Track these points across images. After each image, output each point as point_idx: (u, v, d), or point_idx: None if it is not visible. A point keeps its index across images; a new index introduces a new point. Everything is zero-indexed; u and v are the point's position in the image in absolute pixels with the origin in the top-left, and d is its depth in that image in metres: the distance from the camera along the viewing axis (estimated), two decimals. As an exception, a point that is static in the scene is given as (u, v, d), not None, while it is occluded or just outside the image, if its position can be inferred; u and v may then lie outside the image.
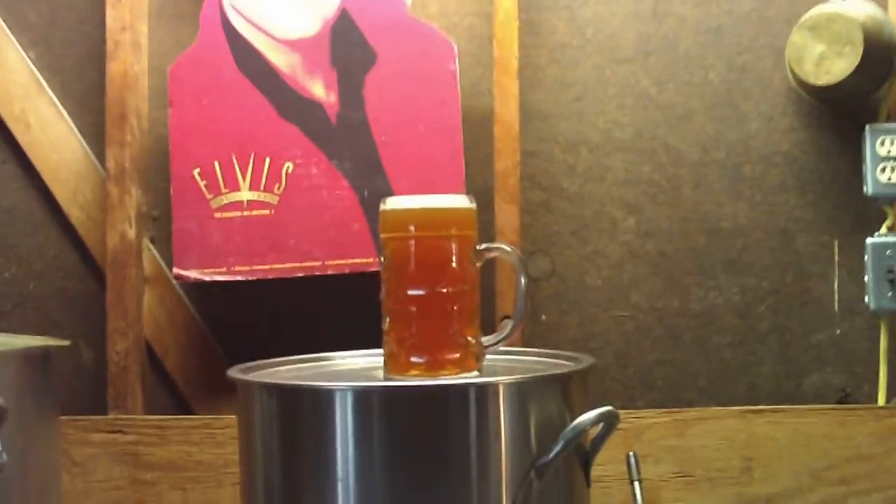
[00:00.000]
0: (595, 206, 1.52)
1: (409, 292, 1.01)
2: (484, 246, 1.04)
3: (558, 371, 1.05)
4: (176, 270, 1.48)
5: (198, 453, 1.49)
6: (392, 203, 1.03)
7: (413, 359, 1.01)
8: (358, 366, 1.19)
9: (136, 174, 1.54)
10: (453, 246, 1.02)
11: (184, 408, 1.56)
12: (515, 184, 1.47)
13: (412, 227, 1.02)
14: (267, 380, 1.06)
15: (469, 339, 1.02)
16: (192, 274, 1.48)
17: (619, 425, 1.21)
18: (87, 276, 1.58)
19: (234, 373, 1.09)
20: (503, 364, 1.15)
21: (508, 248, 1.05)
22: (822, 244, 1.49)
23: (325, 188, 1.47)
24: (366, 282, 1.40)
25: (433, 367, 1.01)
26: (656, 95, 1.51)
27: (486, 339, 1.05)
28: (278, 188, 1.48)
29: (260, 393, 1.04)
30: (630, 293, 1.51)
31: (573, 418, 1.03)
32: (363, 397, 0.98)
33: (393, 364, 1.03)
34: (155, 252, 1.57)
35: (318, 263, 1.47)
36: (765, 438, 1.41)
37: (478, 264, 1.04)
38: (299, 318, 1.55)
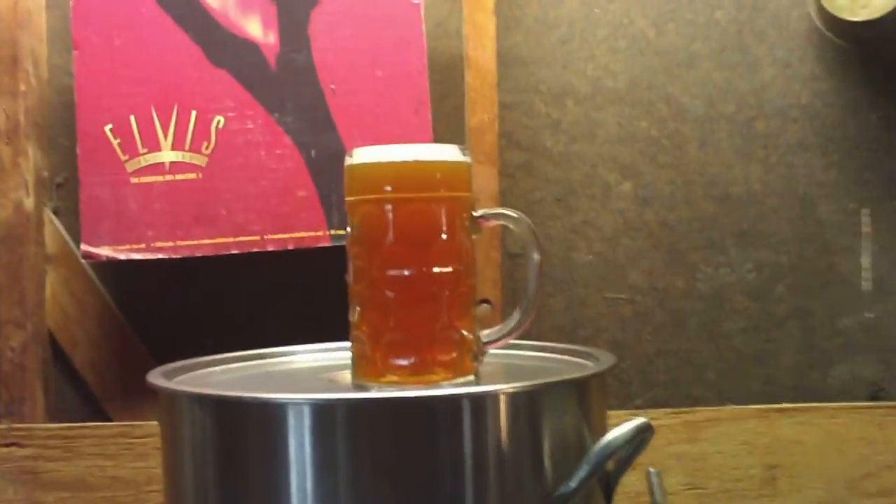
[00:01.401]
0: (584, 168, 1.29)
1: (387, 273, 0.77)
2: (483, 211, 0.80)
3: (576, 375, 0.82)
4: (84, 247, 1.22)
5: (114, 468, 1.24)
6: (361, 156, 0.79)
7: (391, 360, 0.78)
8: (315, 364, 0.95)
9: (33, 131, 1.27)
10: (443, 212, 0.78)
11: (97, 413, 1.31)
12: (493, 142, 1.23)
13: (388, 187, 0.78)
14: (198, 389, 0.81)
15: (464, 333, 0.79)
16: (104, 251, 1.22)
17: None
18: (-24, 255, 1.31)
19: (156, 378, 0.84)
20: (498, 363, 0.92)
21: (516, 215, 0.81)
22: (848, 212, 1.28)
23: (263, 146, 1.23)
24: (316, 259, 1.17)
25: (417, 370, 0.78)
26: (654, 38, 1.29)
27: (485, 334, 0.81)
28: (207, 147, 1.23)
29: (190, 406, 0.80)
30: (626, 271, 1.28)
31: (593, 434, 0.80)
32: (325, 413, 0.73)
33: (364, 367, 0.79)
34: (59, 225, 1.31)
35: (255, 238, 1.22)
36: (790, 443, 1.19)
37: (475, 235, 0.80)
38: (237, 303, 1.31)
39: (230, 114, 1.23)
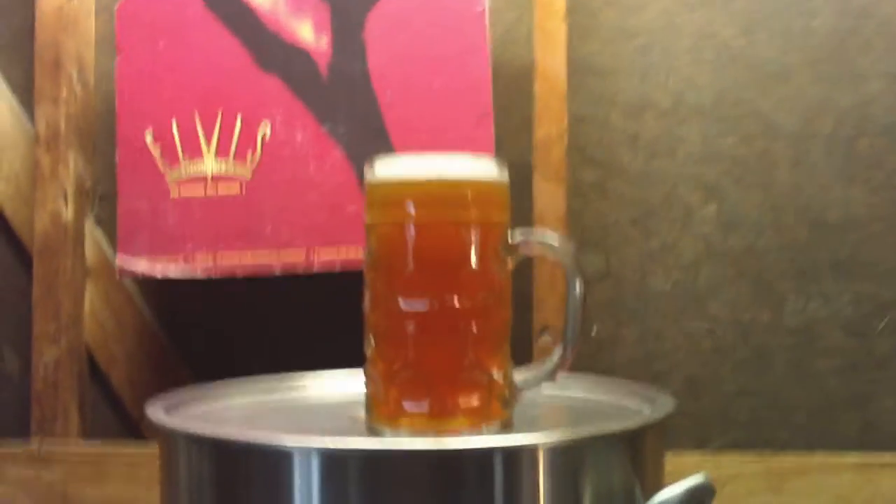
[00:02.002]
0: (664, 188, 1.17)
1: (405, 305, 0.67)
2: (520, 237, 0.70)
3: (626, 425, 0.70)
4: (120, 263, 1.15)
5: (146, 495, 1.15)
6: (382, 169, 0.69)
7: (408, 404, 0.67)
8: (336, 397, 0.86)
9: (74, 139, 1.21)
10: (473, 236, 0.68)
11: (133, 434, 1.23)
12: (561, 157, 1.12)
13: (411, 208, 0.67)
14: (195, 429, 0.72)
15: (493, 374, 0.68)
16: (140, 268, 1.14)
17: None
18: (15, 267, 1.25)
19: (155, 410, 0.75)
20: (542, 404, 0.81)
21: (556, 241, 0.70)
22: (961, 242, 1.14)
23: (312, 158, 1.14)
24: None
25: (438, 415, 0.68)
26: (743, 48, 1.17)
27: (520, 375, 0.71)
28: (252, 158, 1.14)
29: (186, 446, 0.71)
30: (707, 301, 1.16)
31: (646, 492, 0.69)
32: (332, 464, 0.64)
33: (379, 408, 0.69)
34: (101, 237, 1.24)
35: (301, 257, 1.13)
36: (893, 501, 1.05)
37: (509, 263, 0.70)
38: (281, 322, 1.22)
39: (278, 122, 1.15)
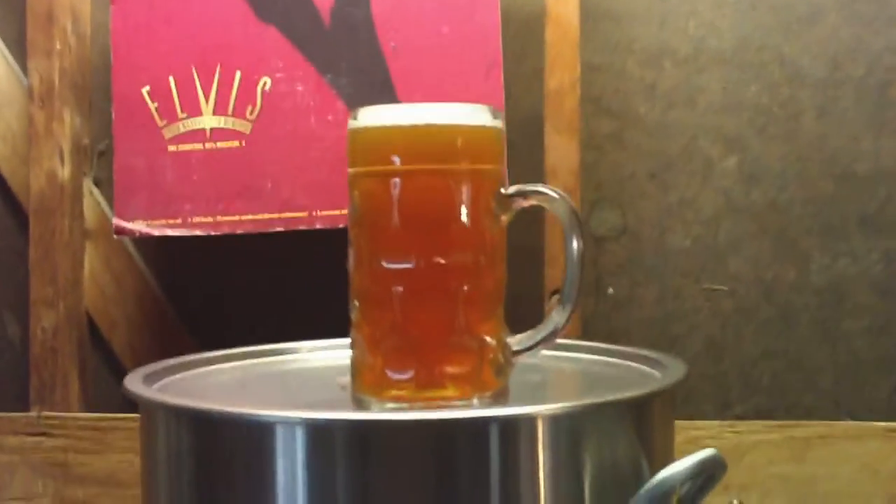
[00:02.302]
0: (683, 139, 1.11)
1: (389, 264, 0.62)
2: (514, 189, 0.65)
3: (631, 393, 0.65)
4: (116, 221, 1.10)
5: (148, 463, 1.12)
6: (366, 116, 0.64)
7: (393, 373, 0.63)
8: (328, 364, 0.81)
9: (70, 94, 1.16)
10: (463, 189, 0.63)
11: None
12: (574, 107, 1.07)
13: (396, 158, 0.62)
14: (174, 399, 0.68)
15: (486, 339, 0.64)
16: (137, 226, 1.10)
17: (710, 443, 0.86)
18: (13, 229, 1.22)
19: (135, 381, 0.71)
20: (543, 372, 0.76)
21: (551, 192, 0.65)
22: None
23: (314, 112, 1.09)
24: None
25: (427, 384, 0.63)
26: (768, -11, 1.11)
27: (515, 340, 0.66)
28: (251, 112, 1.09)
29: (165, 419, 0.66)
30: (728, 259, 1.11)
31: (654, 465, 0.64)
32: (317, 436, 0.60)
33: (365, 377, 0.65)
34: (100, 198, 1.20)
35: (303, 214, 1.08)
36: (922, 469, 1.01)
37: (503, 217, 0.65)
38: (291, 285, 1.18)
39: (278, 75, 1.10)
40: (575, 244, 0.63)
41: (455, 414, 0.59)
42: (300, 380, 0.79)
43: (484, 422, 0.59)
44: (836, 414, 1.09)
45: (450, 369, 0.62)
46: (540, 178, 1.07)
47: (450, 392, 0.63)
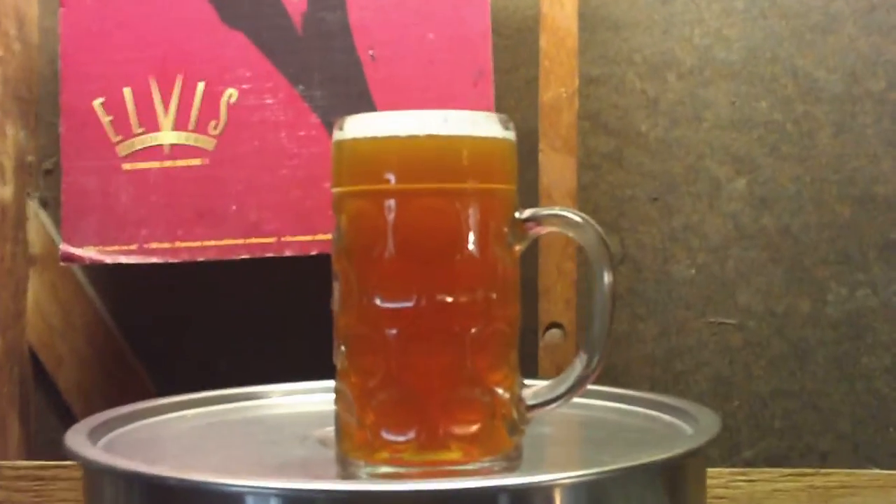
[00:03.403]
0: (688, 159, 1.02)
1: (384, 303, 0.52)
2: (529, 213, 0.55)
3: (663, 455, 0.55)
4: (64, 247, 0.99)
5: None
6: (354, 126, 0.54)
7: (387, 432, 0.52)
8: (303, 411, 0.71)
9: (14, 106, 1.06)
10: (471, 212, 0.53)
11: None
12: (572, 122, 0.97)
13: (391, 175, 0.52)
14: (124, 463, 0.57)
15: (498, 391, 0.53)
16: (88, 253, 0.99)
17: (720, 492, 0.77)
18: (-51, 254, 1.10)
19: (78, 438, 0.61)
20: (551, 426, 0.66)
21: (575, 216, 0.55)
22: None
23: (284, 127, 0.99)
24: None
25: (427, 446, 0.52)
26: (779, -3, 1.02)
27: (531, 393, 0.56)
28: (215, 127, 0.99)
29: (113, 485, 0.56)
30: (737, 290, 1.02)
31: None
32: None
33: (352, 436, 0.54)
34: (46, 220, 1.09)
35: (271, 240, 0.98)
36: (957, 523, 0.91)
37: (517, 247, 0.55)
38: (252, 312, 1.07)
39: (245, 86, 0.99)
40: (606, 279, 0.53)
41: (462, 483, 0.49)
42: (271, 432, 0.68)
43: (495, 492, 0.49)
44: (854, 459, 1.00)
45: (455, 428, 0.52)
46: (533, 200, 0.97)
47: (455, 455, 0.52)
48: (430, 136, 0.52)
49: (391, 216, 0.52)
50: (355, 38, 0.99)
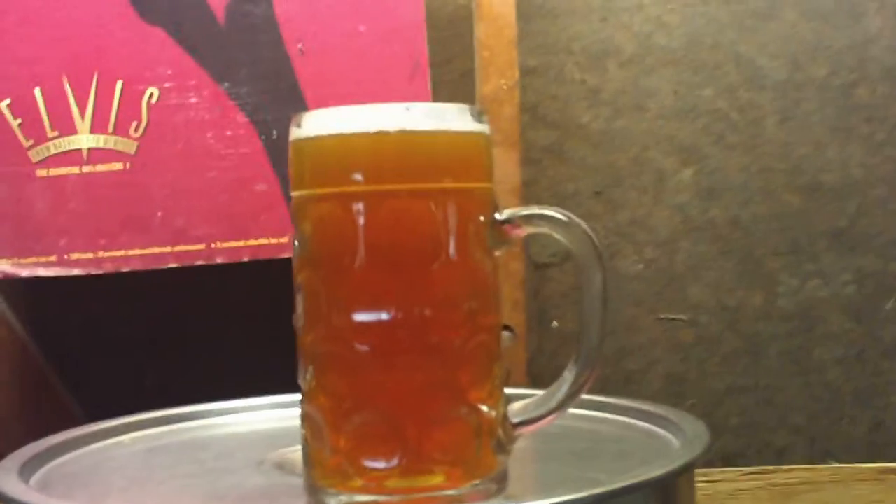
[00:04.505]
0: (632, 150, 0.99)
1: (357, 316, 0.47)
2: (509, 213, 0.50)
3: (657, 473, 0.51)
4: (-26, 262, 0.92)
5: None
6: (314, 122, 0.49)
7: (363, 457, 0.47)
8: (252, 430, 0.66)
9: (-86, 111, 0.98)
10: (449, 214, 0.48)
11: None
12: (514, 115, 0.93)
13: (359, 175, 0.47)
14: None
15: (483, 409, 0.49)
16: (1, 266, 0.92)
17: None
18: None
19: (6, 478, 0.55)
20: (527, 440, 0.62)
21: (561, 216, 0.50)
22: (977, 205, 0.98)
23: (210, 127, 0.93)
24: (282, 272, 0.87)
25: (408, 472, 0.48)
26: (719, -18, 0.99)
27: (516, 409, 0.51)
28: (136, 129, 0.93)
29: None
30: (687, 284, 0.99)
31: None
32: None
33: (323, 463, 0.49)
34: (-47, 232, 1.01)
35: (201, 247, 0.92)
36: (922, 515, 0.89)
37: (497, 252, 0.50)
38: (191, 327, 1.02)
39: (167, 84, 0.93)
40: (598, 282, 0.49)
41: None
42: (221, 457, 0.63)
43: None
44: (811, 453, 0.98)
45: (438, 451, 0.47)
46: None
47: (438, 480, 0.48)
48: (401, 132, 0.47)
49: (361, 220, 0.47)
50: (282, 32, 0.93)
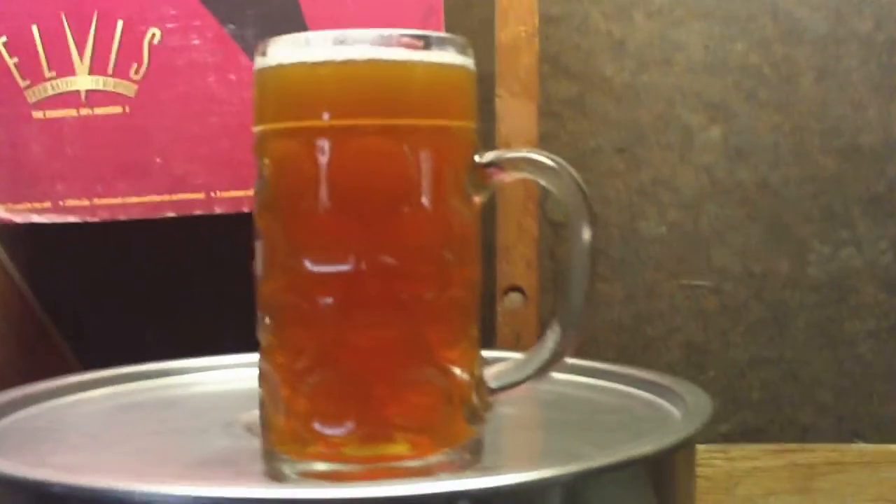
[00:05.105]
0: (657, 106, 0.93)
1: (316, 266, 0.43)
2: (492, 156, 0.46)
3: (650, 448, 0.46)
4: (-33, 206, 0.89)
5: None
6: (279, 50, 0.45)
7: (320, 423, 0.43)
8: (228, 389, 0.62)
9: (-90, 47, 0.94)
10: (423, 154, 0.43)
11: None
12: (532, 64, 0.88)
13: (324, 110, 0.43)
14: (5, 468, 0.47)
15: (455, 371, 0.44)
16: (-5, 211, 0.89)
17: (696, 471, 0.68)
18: None
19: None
20: (513, 407, 0.58)
21: (547, 160, 0.45)
22: None
23: (213, 70, 0.89)
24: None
25: (369, 439, 0.43)
26: (757, -72, 0.93)
27: (493, 373, 0.46)
28: (137, 71, 0.89)
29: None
30: (712, 249, 0.94)
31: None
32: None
33: (279, 427, 0.45)
34: (-49, 176, 0.98)
35: (200, 196, 0.88)
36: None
37: (477, 198, 0.45)
38: (182, 279, 0.98)
39: (169, 25, 0.89)
40: (584, 235, 0.44)
41: (408, 488, 0.40)
42: (191, 416, 0.59)
43: (454, 498, 0.40)
44: (838, 432, 0.92)
45: (403, 416, 0.43)
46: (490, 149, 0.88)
47: (401, 448, 0.43)
48: (371, 61, 0.42)
49: (324, 159, 0.42)
50: (291, -29, 0.89)
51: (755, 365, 0.94)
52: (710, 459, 0.87)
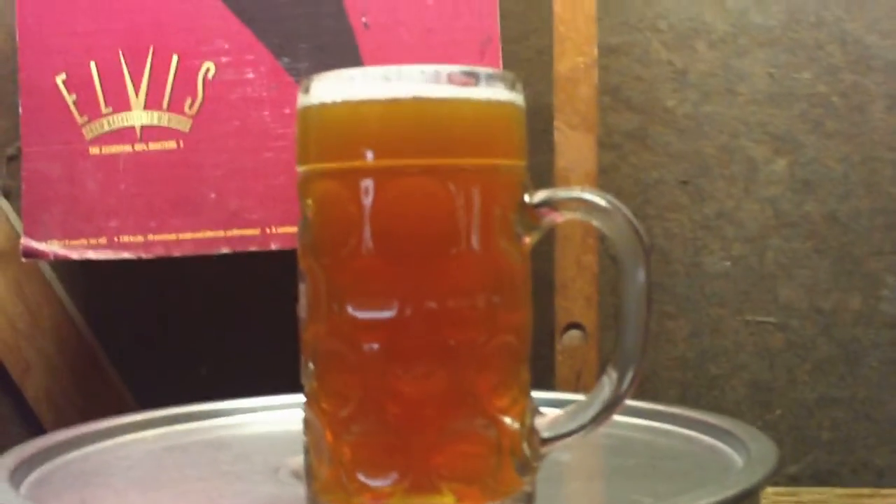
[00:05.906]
0: (721, 137, 0.91)
1: (359, 312, 0.41)
2: (543, 196, 0.44)
3: (717, 497, 0.44)
4: (25, 241, 0.89)
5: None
6: (322, 88, 0.43)
7: (363, 473, 0.41)
8: (276, 430, 0.61)
9: (-30, 85, 0.95)
10: (469, 195, 0.42)
11: (54, 459, 0.97)
12: (591, 96, 0.86)
13: (369, 150, 0.41)
14: None
15: (504, 420, 0.42)
16: (52, 248, 0.89)
17: None
18: None
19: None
20: (567, 447, 0.55)
21: (600, 201, 0.43)
22: None
23: (268, 104, 0.88)
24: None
25: (414, 489, 0.41)
26: (824, -47, 0.91)
27: (546, 422, 0.44)
28: (191, 106, 0.89)
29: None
30: (778, 285, 0.91)
31: None
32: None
33: (323, 475, 0.43)
34: (10, 211, 0.99)
35: (255, 232, 0.88)
36: None
37: (527, 239, 0.44)
38: (235, 315, 0.97)
39: (224, 59, 0.89)
40: (640, 278, 0.42)
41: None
42: (238, 459, 0.57)
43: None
44: (914, 474, 0.89)
45: (448, 467, 0.41)
46: (547, 185, 0.86)
47: (447, 500, 0.42)
48: (416, 100, 0.41)
49: (367, 201, 0.41)
50: (346, 3, 0.88)
51: (825, 404, 0.91)
52: (779, 502, 0.84)
